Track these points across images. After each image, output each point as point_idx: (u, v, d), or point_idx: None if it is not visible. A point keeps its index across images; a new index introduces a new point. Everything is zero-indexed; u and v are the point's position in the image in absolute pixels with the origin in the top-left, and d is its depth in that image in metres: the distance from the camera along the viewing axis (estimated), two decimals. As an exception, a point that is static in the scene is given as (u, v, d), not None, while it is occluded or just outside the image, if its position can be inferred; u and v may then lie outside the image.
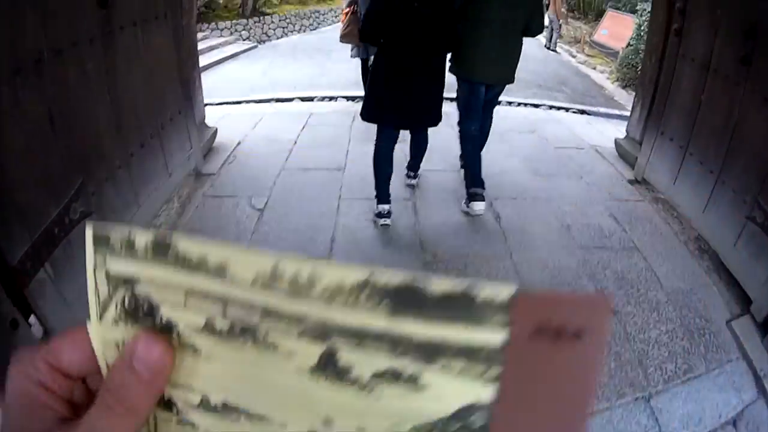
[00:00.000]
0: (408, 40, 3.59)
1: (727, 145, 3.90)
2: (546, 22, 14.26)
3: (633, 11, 14.22)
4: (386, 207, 4.08)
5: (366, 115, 4.01)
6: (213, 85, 8.58)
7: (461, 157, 4.60)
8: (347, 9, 6.50)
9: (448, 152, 5.09)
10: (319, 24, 17.73)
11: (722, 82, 4.10)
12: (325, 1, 18.89)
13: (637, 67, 10.15)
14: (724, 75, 4.08)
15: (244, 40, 14.35)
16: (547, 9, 15.19)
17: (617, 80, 11.80)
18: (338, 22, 15.47)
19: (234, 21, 14.48)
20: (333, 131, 5.81)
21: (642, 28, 10.28)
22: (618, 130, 6.70)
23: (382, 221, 4.07)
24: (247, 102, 7.50)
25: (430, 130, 4.31)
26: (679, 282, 3.68)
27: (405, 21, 3.52)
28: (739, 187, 3.69)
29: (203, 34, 13.24)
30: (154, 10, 3.99)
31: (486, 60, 4.04)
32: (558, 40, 15.43)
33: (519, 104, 8.05)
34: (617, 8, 18.75)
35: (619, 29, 14.18)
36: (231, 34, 14.26)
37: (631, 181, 5.24)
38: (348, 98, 7.35)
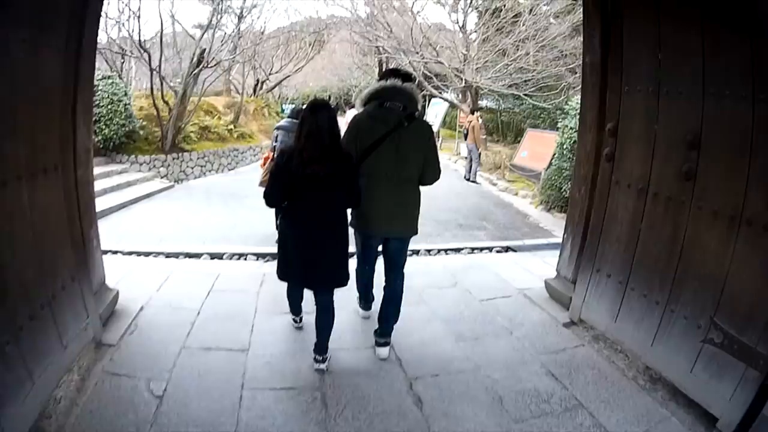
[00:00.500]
0: (307, 201, 3.69)
1: (674, 273, 3.75)
2: (464, 152, 15.98)
3: (555, 127, 14.37)
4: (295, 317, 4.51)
5: (278, 273, 4.06)
6: (125, 228, 8.74)
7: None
8: (267, 154, 6.78)
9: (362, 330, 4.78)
10: (237, 164, 17.60)
11: (664, 205, 3.91)
12: (244, 138, 18.86)
13: (561, 188, 10.15)
14: (665, 197, 3.90)
15: (162, 177, 14.00)
16: (466, 138, 15.48)
17: (541, 204, 11.70)
18: (256, 161, 15.50)
19: (153, 156, 14.18)
20: (240, 299, 5.31)
21: (565, 146, 10.22)
22: (546, 263, 6.59)
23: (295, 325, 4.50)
24: (156, 255, 6.97)
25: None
26: (634, 427, 3.42)
27: (303, 183, 3.60)
28: (691, 313, 3.57)
29: (122, 166, 13.58)
30: (42, 162, 3.45)
31: (381, 214, 4.07)
32: (478, 169, 15.43)
33: (438, 251, 7.70)
34: (535, 126, 19.29)
35: (539, 149, 14.33)
36: (149, 169, 13.95)
37: (567, 324, 4.90)
38: (258, 256, 6.99)
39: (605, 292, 4.53)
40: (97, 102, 13.01)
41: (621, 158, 4.49)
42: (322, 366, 4.00)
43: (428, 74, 22.93)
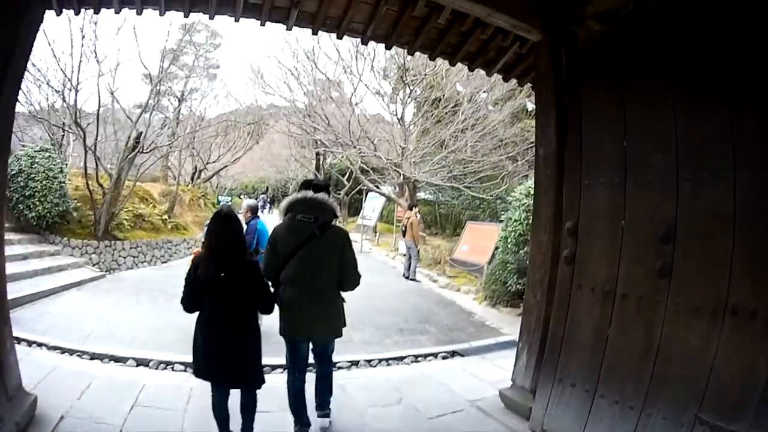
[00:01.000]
0: (213, 303, 3.93)
1: (649, 376, 3.55)
2: (403, 249, 15.30)
3: (497, 219, 14.29)
4: None
5: (193, 371, 4.29)
6: (52, 319, 8.16)
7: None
8: (196, 251, 6.78)
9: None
10: (170, 257, 16.92)
11: (635, 306, 3.73)
12: (179, 230, 18.35)
13: (506, 282, 9.91)
14: (636, 297, 3.72)
15: (93, 265, 13.28)
16: (404, 235, 15.04)
17: (485, 299, 11.36)
18: (189, 254, 14.88)
19: (86, 241, 13.49)
20: (165, 417, 4.83)
21: (509, 239, 9.94)
22: (497, 366, 6.46)
23: None
24: (81, 354, 6.55)
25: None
26: None
27: (208, 288, 3.91)
28: (672, 414, 3.36)
29: (55, 248, 12.84)
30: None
31: (304, 320, 4.31)
32: (417, 266, 15.00)
33: (379, 361, 7.26)
34: (475, 217, 19.18)
35: (480, 242, 14.24)
36: (81, 255, 13.26)
37: None
38: (185, 366, 6.46)
39: (570, 401, 4.25)
40: (33, 176, 12.55)
41: (583, 260, 4.32)
42: None
43: (365, 168, 23.15)
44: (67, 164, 16.12)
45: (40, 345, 6.51)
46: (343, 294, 4.55)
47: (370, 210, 27.00)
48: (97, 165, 14.81)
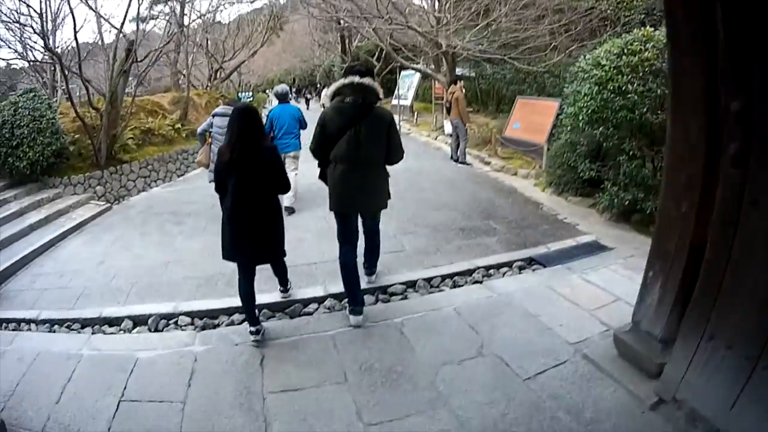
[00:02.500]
0: (239, 188, 4.48)
1: None
2: (448, 128, 13.88)
3: (543, 93, 13.07)
4: (252, 328, 4.66)
5: (223, 254, 4.79)
6: (44, 282, 7.28)
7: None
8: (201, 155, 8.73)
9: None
10: (187, 168, 15.37)
11: None
12: (191, 141, 16.68)
13: (576, 167, 8.26)
14: None
15: (99, 197, 11.96)
16: (449, 113, 13.33)
17: (549, 186, 9.64)
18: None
19: (88, 173, 12.13)
20: (157, 416, 3.66)
21: (580, 117, 7.87)
22: (589, 283, 5.27)
23: (252, 338, 4.63)
24: (71, 324, 5.70)
25: None
26: None
27: (232, 174, 4.47)
28: None
29: (56, 190, 11.64)
30: None
31: (350, 193, 4.81)
32: (466, 148, 13.22)
33: (442, 279, 5.85)
34: (519, 92, 16.94)
35: (535, 119, 12.26)
36: (85, 190, 11.96)
37: (654, 405, 3.26)
38: (191, 318, 5.45)
39: (722, 367, 2.93)
40: (18, 122, 11.29)
41: (763, 162, 2.60)
42: (287, 294, 5.49)
43: (396, 45, 21.01)
44: (56, 100, 14.77)
45: (28, 323, 5.88)
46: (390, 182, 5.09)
47: (404, 89, 25.24)
48: (87, 90, 13.42)
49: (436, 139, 17.23)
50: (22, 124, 11.27)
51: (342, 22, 28.67)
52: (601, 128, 7.51)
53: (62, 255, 8.54)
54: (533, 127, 12.10)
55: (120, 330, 5.46)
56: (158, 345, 4.81)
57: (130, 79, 14.55)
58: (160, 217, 10.00)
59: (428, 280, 5.79)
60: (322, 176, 5.07)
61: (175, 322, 5.43)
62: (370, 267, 5.66)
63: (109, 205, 11.59)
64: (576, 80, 8.46)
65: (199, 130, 9.02)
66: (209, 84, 26.90)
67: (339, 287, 5.18)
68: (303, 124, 9.16)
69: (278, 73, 56.02)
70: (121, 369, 4.31)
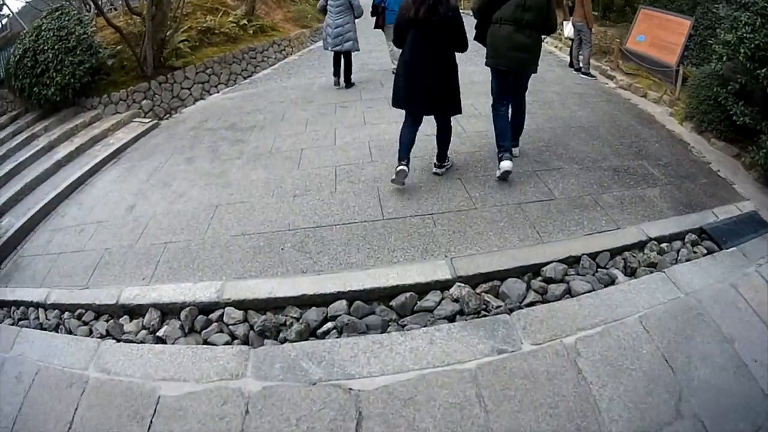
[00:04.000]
0: (419, 39, 5.01)
1: None
2: (569, 32, 11.61)
3: (682, 10, 10.60)
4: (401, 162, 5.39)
5: (392, 101, 5.53)
6: (62, 240, 6.01)
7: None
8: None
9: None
10: (255, 68, 13.43)
11: None
12: (264, 33, 14.73)
13: (726, 106, 6.73)
14: None
15: (146, 113, 10.36)
16: (571, 13, 11.16)
17: (687, 120, 7.82)
18: (284, 59, 14.44)
19: (132, 87, 10.46)
20: None
21: (742, 50, 6.06)
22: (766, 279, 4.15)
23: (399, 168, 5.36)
24: (83, 312, 4.61)
25: None
26: None
27: (416, 27, 4.96)
28: None
29: (94, 112, 10.23)
30: None
31: (509, 49, 5.33)
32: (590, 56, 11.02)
33: (612, 256, 4.52)
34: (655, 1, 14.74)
35: (663, 35, 10.31)
36: (128, 107, 10.37)
37: None
38: (243, 310, 4.11)
39: None
40: (41, 46, 9.98)
41: None
42: (441, 171, 5.81)
43: None
44: (88, 13, 12.81)
45: (36, 307, 4.93)
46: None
47: None
48: None
49: (545, 41, 14.63)
50: (45, 48, 9.90)
51: None
52: (765, 69, 5.81)
53: (88, 198, 7.13)
54: (661, 44, 10.27)
55: (142, 329, 4.18)
56: (190, 373, 3.48)
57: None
58: (215, 133, 8.46)
59: (593, 256, 4.40)
60: (480, 37, 5.65)
61: (220, 318, 4.04)
62: (514, 137, 5.99)
63: (156, 121, 10.07)
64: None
65: (318, 6, 10.22)
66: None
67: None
68: None
69: None
70: (136, 416, 3.20)
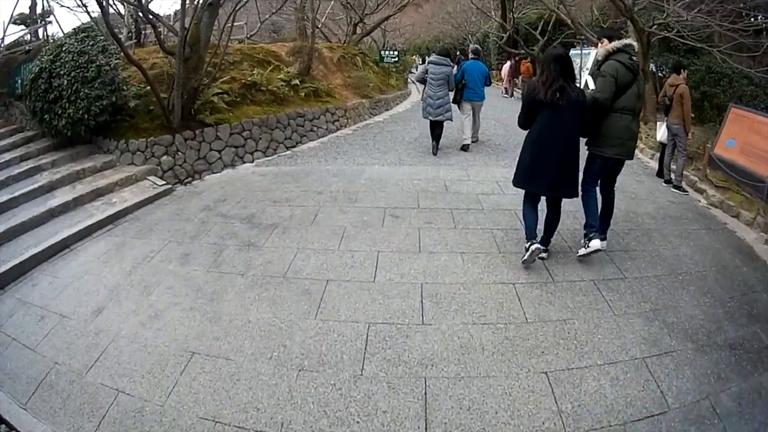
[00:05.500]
0: (547, 120, 5.04)
1: None
2: (662, 135, 9.80)
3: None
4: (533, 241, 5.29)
5: (514, 181, 5.42)
6: (15, 326, 4.94)
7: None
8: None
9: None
10: (302, 137, 11.66)
11: None
12: (318, 98, 13.06)
13: None
14: None
15: (164, 172, 8.78)
16: (667, 113, 9.27)
17: None
18: (335, 131, 12.89)
19: (153, 138, 8.90)
20: None
21: None
22: None
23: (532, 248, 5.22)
24: None
25: None
26: None
27: (550, 109, 4.98)
28: None
29: (109, 157, 9.01)
30: None
31: (628, 140, 5.46)
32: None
33: None
34: (712, 95, 14.35)
35: (755, 140, 8.60)
36: (146, 160, 8.82)
37: None
38: None
39: None
40: (57, 70, 8.77)
41: None
42: (544, 255, 5.49)
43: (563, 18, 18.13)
44: (130, 42, 11.63)
45: None
46: None
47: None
48: (154, 26, 10.30)
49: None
50: (62, 72, 8.64)
51: None
52: None
53: (65, 272, 5.95)
54: (754, 152, 8.49)
55: None
56: None
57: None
58: (228, 224, 6.73)
59: None
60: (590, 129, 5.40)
61: None
62: (603, 230, 5.81)
63: (170, 186, 8.41)
64: None
65: (416, 77, 11.36)
66: (347, 39, 23.22)
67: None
68: (488, 81, 11.14)
69: (426, 40, 54.50)
70: None
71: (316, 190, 7.81)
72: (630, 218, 6.86)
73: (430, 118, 10.22)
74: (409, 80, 26.90)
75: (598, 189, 5.72)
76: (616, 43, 5.40)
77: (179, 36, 8.92)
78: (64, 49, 8.90)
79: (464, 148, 10.64)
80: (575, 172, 5.16)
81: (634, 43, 5.38)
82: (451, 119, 10.33)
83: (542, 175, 5.11)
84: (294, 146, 11.14)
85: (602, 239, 5.39)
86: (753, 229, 7.30)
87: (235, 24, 21.42)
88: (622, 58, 5.29)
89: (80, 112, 8.40)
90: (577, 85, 5.46)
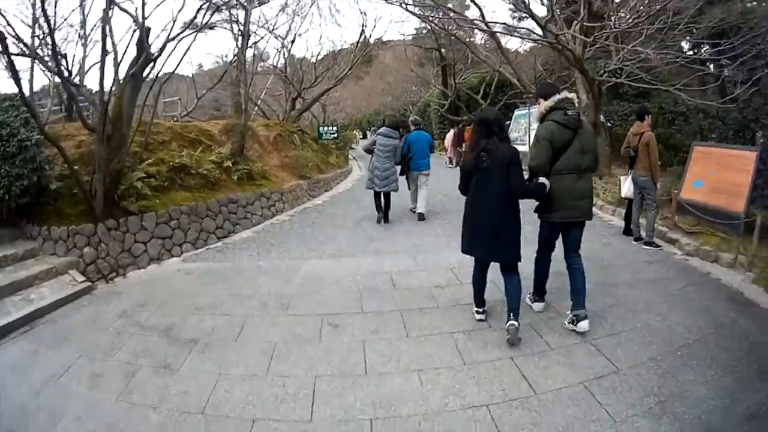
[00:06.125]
0: (479, 184, 5.16)
1: None
2: (627, 191, 9.22)
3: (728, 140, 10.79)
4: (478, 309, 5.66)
5: (462, 247, 5.44)
6: None
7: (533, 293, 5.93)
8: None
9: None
10: (235, 226, 10.81)
11: None
12: (253, 181, 12.42)
13: None
14: None
15: (87, 265, 7.92)
16: (632, 166, 8.98)
17: None
18: (270, 217, 12.12)
19: (74, 226, 8.04)
20: None
21: None
22: None
23: (477, 317, 5.63)
24: None
25: None
26: None
27: (476, 172, 5.13)
28: None
29: (30, 245, 8.09)
30: None
31: (571, 199, 5.24)
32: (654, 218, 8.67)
33: None
34: (668, 136, 14.81)
35: (724, 176, 8.84)
36: (68, 250, 7.97)
37: None
38: None
39: None
40: None
41: None
42: (515, 323, 5.09)
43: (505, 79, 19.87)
44: (42, 114, 10.42)
45: None
46: None
47: (519, 131, 20.86)
48: (70, 93, 9.26)
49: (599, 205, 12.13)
50: None
51: (443, 52, 29.55)
52: None
53: None
54: (725, 188, 8.76)
55: None
56: None
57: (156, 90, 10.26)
58: (144, 337, 5.76)
59: None
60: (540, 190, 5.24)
61: None
62: (579, 295, 5.35)
63: (89, 284, 7.49)
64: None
65: (363, 147, 11.77)
66: (286, 115, 22.83)
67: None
68: (432, 149, 11.50)
69: (367, 114, 56.82)
70: None
71: (245, 293, 6.85)
72: (607, 291, 6.38)
73: (376, 188, 10.66)
74: (350, 156, 26.67)
75: (554, 254, 5.69)
76: (548, 102, 5.29)
77: (98, 111, 8.10)
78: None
79: (420, 217, 11.09)
80: (511, 234, 5.08)
81: (570, 95, 5.28)
82: (396, 190, 10.76)
83: (478, 240, 5.16)
84: (226, 236, 10.29)
85: (580, 318, 5.23)
86: (736, 270, 7.18)
87: (168, 100, 21.01)
88: (557, 116, 5.19)
89: (1, 191, 7.64)
90: (511, 144, 5.34)
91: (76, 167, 8.21)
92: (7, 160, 7.59)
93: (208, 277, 7.66)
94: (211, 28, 13.90)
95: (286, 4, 28.15)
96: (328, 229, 10.24)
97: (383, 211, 10.99)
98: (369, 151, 10.88)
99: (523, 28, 18.35)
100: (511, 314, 5.09)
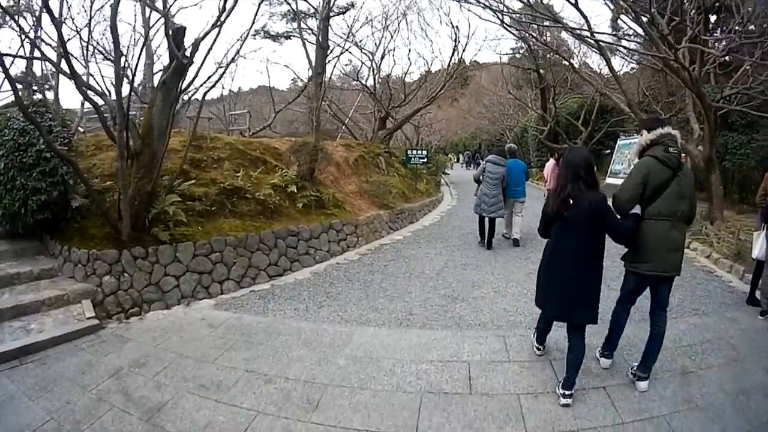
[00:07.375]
0: (561, 238, 4.66)
1: None
2: (758, 251, 7.07)
3: None
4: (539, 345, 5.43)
5: (536, 300, 5.01)
6: None
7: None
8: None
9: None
10: (291, 264, 9.16)
11: None
12: (323, 209, 10.96)
13: None
14: None
15: (105, 296, 6.98)
16: (766, 218, 7.04)
17: None
18: (339, 253, 10.55)
19: (98, 250, 7.15)
20: None
21: None
22: None
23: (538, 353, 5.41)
24: None
25: None
26: None
27: (559, 222, 4.60)
28: None
29: (48, 265, 7.46)
30: None
31: (667, 252, 4.64)
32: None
33: None
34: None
35: None
36: (86, 276, 7.10)
37: None
38: None
39: None
40: None
41: None
42: (568, 401, 4.44)
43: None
44: (69, 125, 9.22)
45: None
46: None
47: (622, 163, 19.41)
48: (85, 95, 7.61)
49: (711, 258, 9.95)
50: (1, 152, 7.25)
51: (541, 72, 28.05)
52: None
53: None
54: None
55: None
56: None
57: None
58: (125, 417, 4.45)
59: None
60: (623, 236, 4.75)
61: None
62: (650, 358, 4.81)
63: (98, 322, 6.38)
64: None
65: (474, 176, 11.51)
66: (374, 135, 21.61)
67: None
68: (527, 176, 12.41)
69: (463, 137, 55.84)
70: None
71: (267, 372, 5.12)
72: (721, 384, 4.70)
73: (484, 214, 11.06)
74: (442, 182, 25.10)
75: (633, 308, 5.11)
76: (650, 135, 4.75)
77: (118, 123, 7.06)
78: (9, 124, 7.39)
79: (515, 243, 11.40)
80: (590, 294, 4.50)
81: (673, 132, 4.71)
82: (503, 216, 11.28)
83: (552, 296, 4.66)
84: (280, 274, 8.84)
85: (643, 378, 4.75)
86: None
87: (236, 113, 20.06)
88: (657, 152, 4.66)
89: (16, 204, 7.12)
90: (600, 191, 4.76)
91: (109, 183, 7.47)
92: (23, 172, 6.99)
93: (232, 336, 6.13)
94: (288, 37, 12.73)
95: (371, 16, 27.14)
96: (402, 278, 8.36)
97: (488, 236, 11.22)
98: (478, 181, 11.16)
99: (623, 47, 16.97)
100: (565, 380, 4.54)
